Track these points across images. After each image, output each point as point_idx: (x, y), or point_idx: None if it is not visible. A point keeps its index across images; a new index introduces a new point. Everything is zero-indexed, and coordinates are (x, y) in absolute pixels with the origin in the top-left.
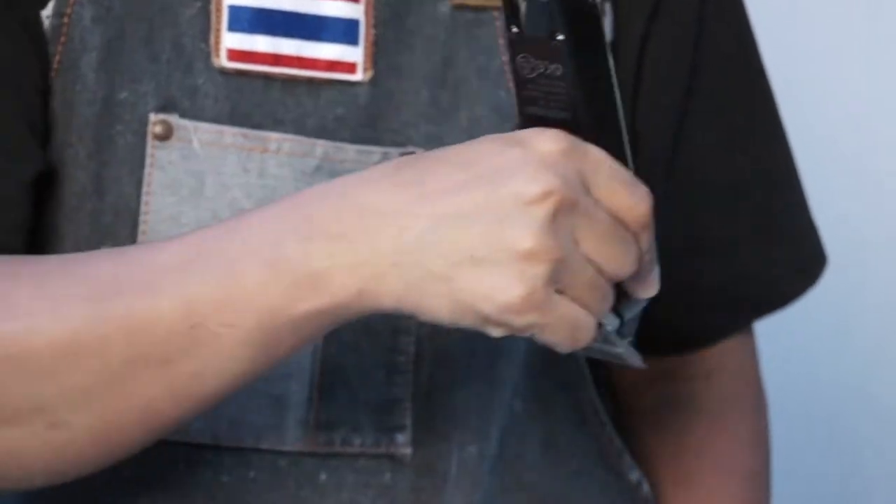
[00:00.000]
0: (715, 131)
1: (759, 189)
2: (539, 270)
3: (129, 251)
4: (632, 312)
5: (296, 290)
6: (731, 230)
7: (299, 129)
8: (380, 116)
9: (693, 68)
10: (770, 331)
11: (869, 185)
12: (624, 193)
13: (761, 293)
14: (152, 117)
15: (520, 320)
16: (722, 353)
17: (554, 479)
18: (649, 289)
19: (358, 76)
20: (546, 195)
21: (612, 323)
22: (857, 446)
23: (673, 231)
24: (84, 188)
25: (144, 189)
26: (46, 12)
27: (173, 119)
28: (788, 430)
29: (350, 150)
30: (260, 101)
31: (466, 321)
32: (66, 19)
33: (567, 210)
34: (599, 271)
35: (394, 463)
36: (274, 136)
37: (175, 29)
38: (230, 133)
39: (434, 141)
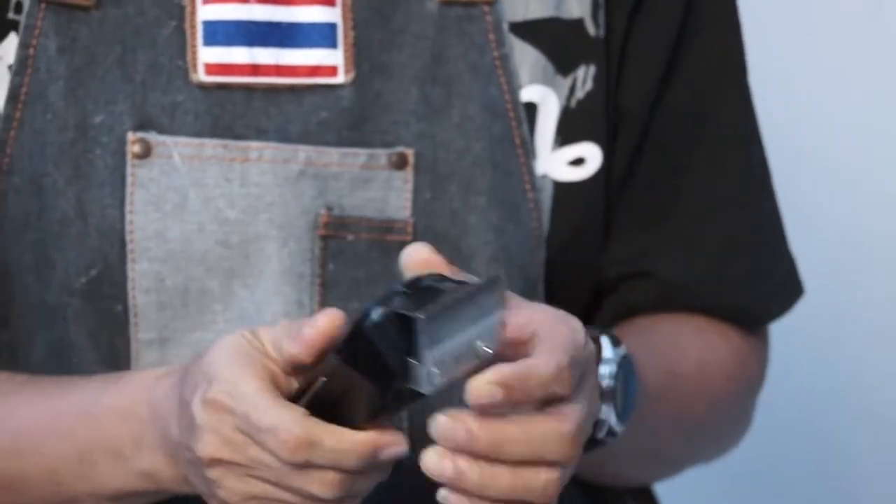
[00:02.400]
0: (684, 135)
1: (734, 198)
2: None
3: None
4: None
5: (135, 479)
6: (703, 240)
7: (283, 136)
8: (365, 118)
9: (669, 68)
10: None
11: (864, 190)
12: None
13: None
14: (130, 136)
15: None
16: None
17: None
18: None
19: (339, 79)
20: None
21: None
22: (849, 456)
23: (646, 230)
24: (66, 214)
25: (127, 208)
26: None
27: (151, 137)
28: (780, 440)
29: (334, 154)
30: (242, 112)
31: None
32: (31, 51)
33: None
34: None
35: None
36: (255, 145)
37: (151, 49)
38: (210, 145)
39: (426, 138)
